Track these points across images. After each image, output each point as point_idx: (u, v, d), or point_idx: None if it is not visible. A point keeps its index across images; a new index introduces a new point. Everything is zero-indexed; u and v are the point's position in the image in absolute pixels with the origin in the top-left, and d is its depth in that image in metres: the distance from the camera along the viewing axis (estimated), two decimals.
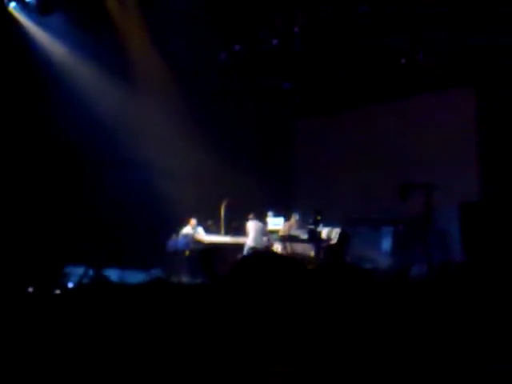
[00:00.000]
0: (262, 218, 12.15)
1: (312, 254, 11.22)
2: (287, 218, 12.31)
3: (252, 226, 11.85)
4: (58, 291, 6.14)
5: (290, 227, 12.04)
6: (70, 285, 8.48)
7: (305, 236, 11.61)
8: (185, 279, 10.69)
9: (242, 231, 12.03)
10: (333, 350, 1.87)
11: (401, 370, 1.91)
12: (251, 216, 11.94)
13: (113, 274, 9.22)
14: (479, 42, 9.88)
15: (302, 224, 11.95)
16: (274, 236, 12.02)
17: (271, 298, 1.74)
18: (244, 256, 10.31)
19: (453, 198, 9.97)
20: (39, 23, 11.56)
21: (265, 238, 11.85)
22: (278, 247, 11.64)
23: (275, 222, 12.32)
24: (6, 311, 3.27)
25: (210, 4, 10.83)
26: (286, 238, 11.78)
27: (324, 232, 11.40)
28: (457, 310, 2.59)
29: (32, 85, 10.99)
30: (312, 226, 11.43)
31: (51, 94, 11.06)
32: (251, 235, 11.75)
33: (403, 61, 12.10)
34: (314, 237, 11.36)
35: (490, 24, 9.37)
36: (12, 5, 11.22)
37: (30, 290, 6.19)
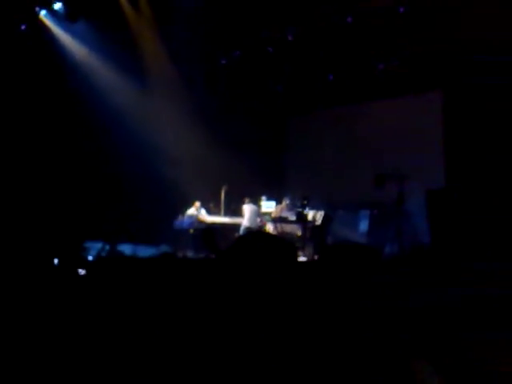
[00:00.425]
0: (256, 202, 12.16)
1: (299, 233, 11.25)
2: (278, 202, 12.32)
3: (247, 208, 11.90)
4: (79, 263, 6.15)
5: (281, 210, 12.07)
6: (90, 258, 8.45)
7: (293, 217, 11.60)
8: (189, 254, 10.72)
9: (238, 213, 12.08)
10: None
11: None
12: (246, 200, 11.97)
13: (126, 249, 9.19)
14: (447, 52, 9.89)
15: (291, 207, 11.96)
16: (267, 217, 12.02)
17: (264, 270, 1.76)
18: (240, 235, 10.37)
19: (421, 186, 9.97)
20: (65, 28, 11.55)
21: (258, 219, 11.88)
22: (270, 227, 11.67)
23: (268, 206, 12.34)
24: (37, 280, 3.26)
25: (214, 15, 10.77)
26: (277, 219, 11.80)
27: (310, 214, 11.39)
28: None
29: (59, 80, 11.01)
30: (299, 209, 11.43)
31: (75, 88, 11.07)
32: (246, 216, 11.80)
33: (381, 66, 12.13)
34: (301, 218, 11.36)
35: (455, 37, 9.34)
36: (42, 13, 11.22)
37: (56, 261, 6.16)
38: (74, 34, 11.58)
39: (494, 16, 8.75)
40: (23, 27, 10.92)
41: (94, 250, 8.83)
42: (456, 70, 10.47)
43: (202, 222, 11.85)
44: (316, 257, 10.60)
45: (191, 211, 11.94)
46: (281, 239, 2.14)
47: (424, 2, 9.88)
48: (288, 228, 11.41)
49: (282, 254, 1.83)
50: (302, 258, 9.85)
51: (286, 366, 1.69)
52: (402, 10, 10.22)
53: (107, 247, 9.12)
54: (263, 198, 12.44)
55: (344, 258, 2.01)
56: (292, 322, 1.77)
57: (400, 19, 10.23)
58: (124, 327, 2.32)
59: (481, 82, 9.79)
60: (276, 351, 1.72)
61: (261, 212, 12.17)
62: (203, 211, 12.03)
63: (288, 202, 12.11)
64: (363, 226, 12.18)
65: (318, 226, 11.36)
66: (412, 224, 10.10)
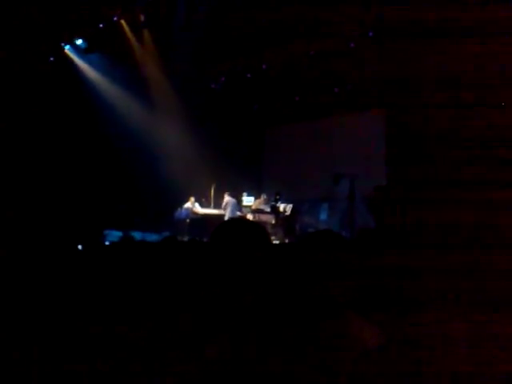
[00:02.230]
0: (236, 196, 12.12)
1: (273, 221, 11.34)
2: (257, 197, 12.38)
3: (228, 202, 11.87)
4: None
5: (259, 203, 12.12)
6: (107, 243, 8.38)
7: (268, 209, 11.67)
8: (186, 239, 10.76)
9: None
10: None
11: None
12: (227, 194, 11.91)
13: (136, 235, 9.22)
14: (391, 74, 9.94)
15: (267, 201, 12.01)
16: (248, 209, 12.08)
17: (242, 248, 1.79)
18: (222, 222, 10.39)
19: (368, 184, 9.99)
20: (84, 59, 11.54)
21: (238, 212, 11.83)
22: (249, 217, 11.72)
23: (248, 200, 12.33)
24: (64, 262, 3.23)
25: (205, 49, 10.82)
26: (255, 211, 11.83)
27: (281, 207, 11.47)
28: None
29: (80, 103, 11.00)
30: (273, 203, 11.53)
31: (93, 107, 11.12)
32: (228, 209, 11.72)
33: (336, 90, 12.28)
34: (274, 210, 11.45)
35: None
36: (67, 47, 11.20)
37: (80, 247, 6.08)
38: (90, 63, 11.59)
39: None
40: (51, 59, 10.92)
41: (110, 237, 8.83)
42: (396, 94, 10.53)
43: (195, 214, 11.88)
44: (286, 240, 10.72)
45: (187, 205, 11.95)
46: (254, 223, 2.10)
47: (367, 41, 10.05)
48: (264, 218, 11.46)
49: (255, 233, 1.84)
50: (275, 242, 9.95)
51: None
52: (352, 45, 10.41)
53: (120, 234, 9.11)
54: (244, 194, 12.46)
55: (320, 242, 1.99)
56: (267, 292, 1.78)
57: (351, 54, 10.40)
58: (136, 298, 2.30)
59: (416, 103, 9.87)
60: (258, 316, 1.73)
61: (241, 205, 12.20)
62: (197, 205, 12.05)
63: (266, 197, 12.13)
64: (323, 215, 12.28)
65: (287, 216, 11.44)
66: (361, 213, 10.11)
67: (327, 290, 1.81)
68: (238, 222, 2.01)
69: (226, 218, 11.48)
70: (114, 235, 8.97)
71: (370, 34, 10.14)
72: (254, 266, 1.77)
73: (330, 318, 1.70)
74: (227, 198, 11.81)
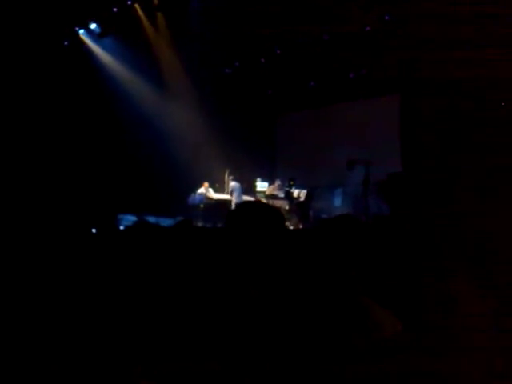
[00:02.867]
0: (241, 180, 11.97)
1: (286, 207, 11.31)
2: (271, 183, 12.31)
3: (234, 186, 11.71)
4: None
5: (273, 189, 12.06)
6: (121, 227, 8.45)
7: (282, 195, 11.64)
8: (199, 223, 10.82)
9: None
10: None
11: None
12: (231, 179, 11.75)
13: (151, 219, 9.25)
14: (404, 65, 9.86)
15: (281, 187, 11.94)
16: (261, 195, 12.02)
17: (258, 232, 1.76)
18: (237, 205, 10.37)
19: (383, 170, 9.96)
20: (98, 43, 11.53)
21: (243, 196, 11.60)
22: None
23: (262, 186, 12.29)
24: (79, 246, 3.30)
25: (219, 34, 10.73)
26: (269, 196, 11.76)
27: (295, 192, 11.43)
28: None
29: (94, 87, 11.02)
30: (287, 188, 11.48)
31: (107, 91, 11.13)
32: (235, 194, 11.60)
33: (351, 75, 12.13)
34: (288, 196, 11.42)
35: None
36: (81, 32, 11.19)
37: (94, 230, 6.13)
38: (106, 48, 11.57)
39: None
40: (66, 43, 10.93)
41: (125, 221, 8.87)
42: (410, 78, 10.44)
43: (209, 199, 11.88)
44: (300, 225, 10.69)
45: (201, 190, 11.90)
46: (270, 206, 2.04)
47: (384, 24, 9.91)
48: (278, 203, 11.39)
49: (272, 217, 1.79)
50: (289, 227, 9.93)
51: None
52: (367, 28, 10.26)
53: (135, 218, 9.16)
54: (258, 179, 12.42)
55: (338, 228, 1.96)
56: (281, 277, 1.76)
57: (366, 38, 10.26)
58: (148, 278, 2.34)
59: (430, 89, 9.78)
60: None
61: (255, 191, 12.13)
62: (211, 190, 12.02)
63: (279, 183, 12.05)
64: (337, 201, 12.18)
65: (301, 202, 11.41)
66: (376, 199, 10.05)
67: (346, 276, 1.78)
68: (256, 206, 1.96)
69: (234, 203, 11.50)
70: (128, 219, 9.02)
71: (387, 17, 9.99)
72: (270, 251, 1.73)
73: (347, 304, 1.67)
74: (232, 183, 11.72)
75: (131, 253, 2.81)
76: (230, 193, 11.71)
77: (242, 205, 2.03)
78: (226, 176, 12.12)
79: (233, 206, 11.36)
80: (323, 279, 1.79)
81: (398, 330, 1.69)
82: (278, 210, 1.97)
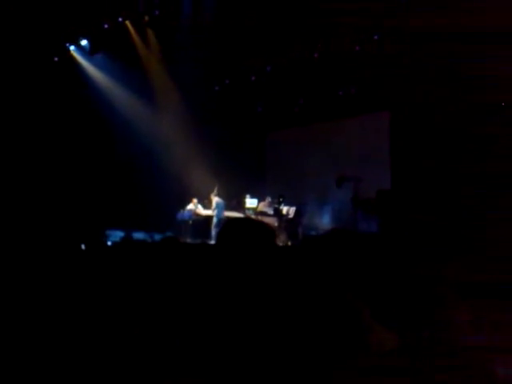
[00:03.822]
0: (222, 196, 11.79)
1: (276, 224, 11.26)
2: (260, 200, 12.25)
3: (218, 202, 11.52)
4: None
5: (264, 206, 12.01)
6: (109, 243, 8.37)
7: (271, 212, 11.62)
8: (188, 240, 10.75)
9: (227, 208, 11.96)
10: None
11: None
12: (213, 195, 11.54)
13: (139, 235, 9.22)
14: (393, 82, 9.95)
15: (270, 203, 11.93)
16: (250, 211, 11.98)
17: (249, 248, 1.75)
18: (227, 220, 10.29)
19: (372, 187, 9.96)
20: (89, 60, 11.52)
21: (225, 213, 11.44)
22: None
23: (251, 202, 12.25)
24: (67, 260, 3.25)
25: (209, 51, 10.78)
26: (259, 213, 11.72)
27: (284, 209, 11.41)
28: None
29: (84, 101, 10.97)
30: (276, 205, 11.45)
31: (97, 106, 11.08)
32: (217, 210, 11.38)
33: (340, 93, 12.22)
34: (277, 213, 11.39)
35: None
36: (72, 48, 11.18)
37: (83, 247, 6.06)
38: (96, 64, 11.57)
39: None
40: (56, 59, 10.90)
41: (112, 237, 8.79)
42: (400, 96, 10.53)
43: (198, 215, 11.83)
44: (289, 243, 10.65)
45: (190, 206, 11.87)
46: (262, 223, 2.02)
47: (372, 44, 10.02)
48: (267, 220, 11.36)
49: (263, 233, 1.78)
50: (278, 244, 9.85)
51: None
52: (357, 48, 10.37)
53: (123, 234, 9.08)
54: (247, 196, 12.39)
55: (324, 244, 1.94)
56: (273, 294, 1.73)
57: (355, 56, 10.36)
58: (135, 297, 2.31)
59: (419, 106, 9.89)
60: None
61: (244, 207, 12.09)
62: (199, 206, 11.97)
63: (270, 200, 12.02)
64: (326, 218, 12.20)
65: (290, 219, 11.39)
66: (365, 216, 10.04)
67: (342, 290, 1.75)
68: (247, 222, 1.93)
69: (215, 219, 11.29)
70: (116, 235, 8.95)
71: (375, 37, 10.11)
72: (260, 268, 1.71)
73: (344, 320, 1.64)
74: (215, 199, 11.67)
75: (117, 270, 2.86)
76: (212, 209, 11.63)
77: (233, 221, 1.99)
78: (215, 191, 12.05)
79: (214, 223, 11.22)
80: (318, 294, 1.75)
81: (396, 345, 1.66)
82: (268, 226, 1.94)
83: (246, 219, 2.22)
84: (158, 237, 8.95)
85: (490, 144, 8.33)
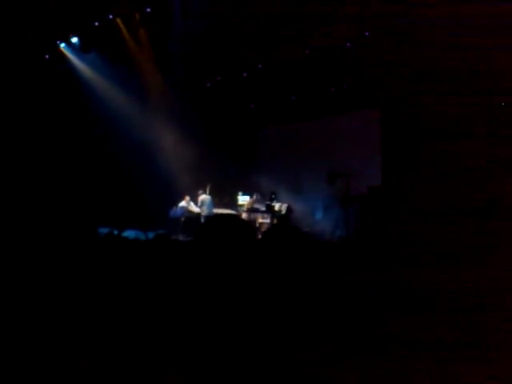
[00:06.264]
0: (210, 193, 11.81)
1: (268, 220, 11.30)
2: (252, 196, 12.31)
3: (204, 200, 11.57)
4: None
5: (254, 202, 12.07)
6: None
7: (263, 208, 11.66)
8: (180, 237, 10.74)
9: (220, 205, 11.98)
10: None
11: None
12: (201, 192, 11.59)
13: (131, 233, 9.20)
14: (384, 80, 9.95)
15: (261, 200, 11.98)
16: (243, 208, 12.01)
17: (229, 243, 1.78)
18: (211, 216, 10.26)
19: (363, 183, 10.01)
20: (80, 58, 11.47)
21: (214, 210, 11.47)
22: (244, 216, 11.66)
23: (243, 199, 12.30)
24: (61, 258, 3.25)
25: (201, 48, 10.77)
26: (250, 210, 11.80)
27: (276, 206, 11.46)
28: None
29: (75, 100, 10.93)
30: (268, 202, 11.49)
31: (88, 105, 11.03)
32: (204, 207, 11.43)
33: (333, 89, 12.23)
34: (269, 209, 11.43)
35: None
36: (62, 45, 11.11)
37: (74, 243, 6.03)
38: (87, 63, 11.51)
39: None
40: (47, 56, 10.84)
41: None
42: (391, 93, 10.53)
43: (190, 212, 11.83)
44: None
45: (182, 203, 11.88)
46: (241, 219, 2.07)
47: (365, 40, 10.03)
48: (259, 216, 11.42)
49: (242, 230, 1.80)
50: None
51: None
52: (348, 45, 10.39)
53: (115, 232, 9.05)
54: (240, 193, 12.40)
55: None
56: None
57: (347, 53, 10.38)
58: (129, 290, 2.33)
59: (409, 103, 9.87)
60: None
61: (237, 204, 12.10)
62: (192, 203, 11.98)
63: (259, 196, 12.05)
64: (318, 214, 12.23)
65: (282, 215, 11.43)
66: (356, 213, 10.06)
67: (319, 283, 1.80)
68: (226, 219, 1.96)
69: (203, 216, 11.33)
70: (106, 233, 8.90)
71: (367, 33, 10.12)
72: (240, 263, 1.74)
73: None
74: (202, 196, 11.63)
75: (103, 266, 2.83)
76: (199, 206, 11.61)
77: (212, 218, 2.02)
78: (208, 189, 12.04)
79: (202, 220, 11.25)
80: (300, 287, 1.82)
81: None
82: (248, 222, 1.99)
83: (226, 216, 2.28)
84: (150, 234, 8.95)
85: (481, 142, 8.35)
